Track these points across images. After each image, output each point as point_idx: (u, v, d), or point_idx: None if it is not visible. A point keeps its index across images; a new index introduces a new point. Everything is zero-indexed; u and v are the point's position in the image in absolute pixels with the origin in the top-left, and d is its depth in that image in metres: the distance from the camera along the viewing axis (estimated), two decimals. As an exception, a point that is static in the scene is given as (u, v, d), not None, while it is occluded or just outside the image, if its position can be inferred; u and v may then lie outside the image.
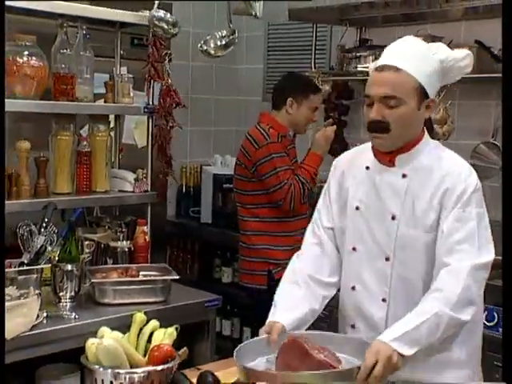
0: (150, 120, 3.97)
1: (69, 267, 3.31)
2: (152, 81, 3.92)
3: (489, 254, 2.41)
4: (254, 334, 4.66)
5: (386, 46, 4.67)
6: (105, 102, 3.87)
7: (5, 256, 3.31)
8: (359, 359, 2.22)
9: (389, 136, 2.44)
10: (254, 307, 4.28)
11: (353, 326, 2.65)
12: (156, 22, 3.15)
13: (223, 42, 3.11)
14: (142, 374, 2.19)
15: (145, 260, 3.78)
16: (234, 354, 2.25)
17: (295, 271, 2.71)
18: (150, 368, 2.21)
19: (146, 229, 3.83)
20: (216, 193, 5.29)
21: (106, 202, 3.93)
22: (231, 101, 5.95)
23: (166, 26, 3.16)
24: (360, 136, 5.09)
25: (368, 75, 4.37)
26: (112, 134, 4.06)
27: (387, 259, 2.53)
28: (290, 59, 5.63)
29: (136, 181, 3.92)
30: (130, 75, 3.93)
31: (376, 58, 4.59)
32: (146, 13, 3.77)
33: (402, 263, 2.50)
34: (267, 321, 2.56)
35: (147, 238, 3.81)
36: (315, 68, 5.11)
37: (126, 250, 3.76)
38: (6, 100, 3.40)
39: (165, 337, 2.34)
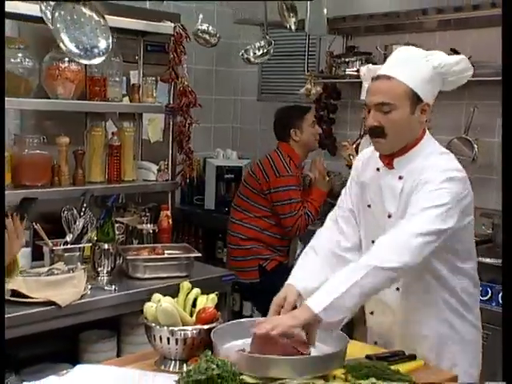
0: (171, 117, 4.03)
1: (106, 246, 3.42)
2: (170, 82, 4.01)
3: (446, 223, 2.28)
4: (253, 309, 4.84)
5: (370, 52, 4.91)
6: (132, 101, 3.94)
7: (49, 237, 3.48)
8: (329, 346, 2.21)
9: (386, 140, 2.41)
10: (250, 299, 4.46)
11: (371, 313, 2.67)
12: (200, 34, 3.25)
13: (261, 52, 3.23)
14: (194, 331, 2.25)
15: (168, 240, 3.88)
16: (212, 334, 2.21)
17: (314, 245, 2.66)
18: (200, 326, 2.28)
19: (169, 213, 3.93)
20: (218, 182, 5.37)
21: (134, 190, 3.99)
22: (229, 100, 6.00)
23: (208, 37, 3.27)
24: (347, 132, 5.26)
25: (355, 78, 4.59)
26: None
27: None
28: (282, 63, 5.69)
29: (158, 171, 4.01)
30: (153, 78, 3.99)
31: (361, 63, 4.78)
32: (168, 23, 3.91)
33: None
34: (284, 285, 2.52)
35: (170, 221, 3.90)
36: (308, 72, 5.23)
37: (151, 231, 3.87)
38: (50, 100, 3.55)
39: (208, 301, 2.42)
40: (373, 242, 2.46)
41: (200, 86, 5.69)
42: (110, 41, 3.19)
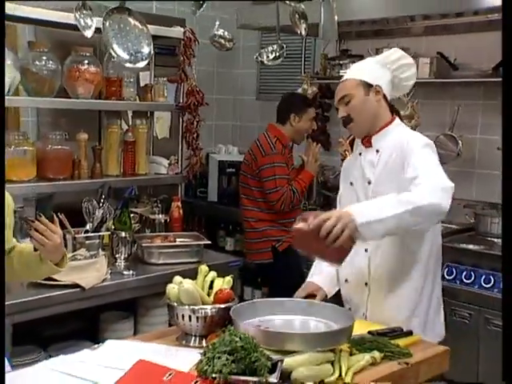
0: (180, 115, 4.09)
1: (123, 234, 3.50)
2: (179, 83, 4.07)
3: (440, 179, 2.43)
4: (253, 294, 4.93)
5: (362, 55, 4.99)
6: (144, 100, 4.00)
7: (72, 225, 3.51)
8: (337, 323, 2.25)
9: (355, 124, 2.70)
10: (262, 277, 4.51)
11: (346, 281, 2.79)
12: (216, 39, 3.32)
13: (274, 55, 3.30)
14: (213, 310, 2.30)
15: (179, 229, 3.94)
16: (231, 312, 2.24)
17: None
18: (218, 305, 2.32)
19: (179, 204, 3.99)
20: (220, 176, 5.40)
21: (146, 183, 4.04)
22: (229, 100, 6.01)
23: (223, 42, 3.33)
24: (340, 129, 5.22)
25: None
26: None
27: None
28: (279, 65, 5.58)
29: (169, 165, 4.07)
30: (164, 79, 4.04)
31: (354, 65, 4.88)
32: (178, 27, 3.98)
33: None
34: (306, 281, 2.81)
35: (181, 211, 3.96)
36: (304, 73, 5.28)
37: (163, 221, 3.93)
38: (71, 100, 3.60)
39: (224, 283, 2.45)
40: None
41: (203, 86, 5.73)
42: (152, 46, 3.29)
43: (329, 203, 5.03)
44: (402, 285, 2.67)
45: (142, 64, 3.29)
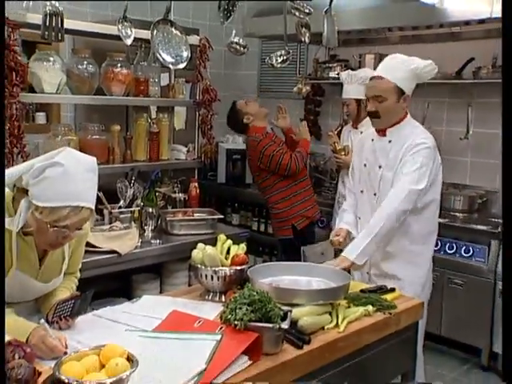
0: (196, 110, 4.08)
1: (150, 210, 3.53)
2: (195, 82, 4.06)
3: (415, 183, 2.67)
4: (256, 260, 4.97)
5: (347, 59, 5.02)
6: (167, 97, 3.99)
7: (108, 202, 3.49)
8: (335, 282, 2.30)
9: (380, 120, 2.77)
10: (283, 250, 4.46)
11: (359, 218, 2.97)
12: (232, 45, 3.34)
13: (281, 59, 3.33)
14: (231, 271, 2.37)
15: (196, 205, 3.96)
16: (248, 272, 2.29)
17: (345, 207, 3.08)
18: (234, 267, 2.38)
19: (197, 185, 4.01)
20: (228, 162, 5.41)
21: (169, 167, 4.04)
22: (234, 96, 5.81)
23: (238, 47, 3.35)
24: (329, 122, 5.38)
25: (336, 80, 4.71)
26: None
27: (375, 194, 2.84)
28: (276, 68, 5.65)
29: (187, 152, 4.07)
30: (183, 79, 4.04)
31: (341, 68, 4.89)
32: (195, 36, 3.97)
33: (384, 197, 2.77)
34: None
35: (198, 190, 3.98)
36: (299, 74, 5.31)
37: (182, 199, 3.94)
38: (107, 97, 3.61)
39: (238, 249, 2.51)
40: (362, 191, 2.93)
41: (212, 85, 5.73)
42: (189, 51, 3.42)
43: (320, 184, 5.12)
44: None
45: (182, 65, 3.41)
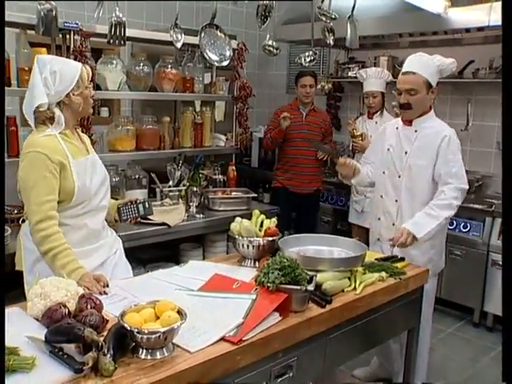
0: (234, 104, 4.03)
1: (195, 189, 3.52)
2: (234, 80, 4.01)
3: (465, 184, 2.63)
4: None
5: (364, 61, 4.90)
6: (209, 93, 3.97)
7: (160, 181, 3.49)
8: (353, 252, 2.25)
9: (412, 111, 2.65)
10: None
11: (379, 219, 2.84)
12: (267, 47, 3.29)
13: (309, 59, 3.28)
14: (264, 241, 2.34)
15: (233, 186, 3.95)
16: (279, 242, 2.27)
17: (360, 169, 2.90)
18: (267, 238, 2.35)
19: (234, 168, 4.00)
20: (260, 149, 5.37)
21: (210, 152, 4.03)
22: (265, 93, 5.93)
23: (271, 49, 3.31)
24: (347, 114, 5.28)
25: (353, 79, 4.57)
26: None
27: (399, 177, 2.73)
28: (303, 68, 5.56)
29: (226, 140, 4.06)
30: (223, 77, 3.99)
31: (358, 69, 4.79)
32: (233, 41, 3.86)
33: (408, 179, 2.69)
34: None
35: (235, 173, 3.97)
36: (322, 73, 5.25)
37: (221, 180, 3.92)
38: (159, 93, 3.58)
39: (270, 223, 2.46)
40: (384, 172, 2.78)
41: (247, 83, 5.66)
42: (231, 50, 3.42)
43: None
44: None
45: (225, 63, 3.41)
